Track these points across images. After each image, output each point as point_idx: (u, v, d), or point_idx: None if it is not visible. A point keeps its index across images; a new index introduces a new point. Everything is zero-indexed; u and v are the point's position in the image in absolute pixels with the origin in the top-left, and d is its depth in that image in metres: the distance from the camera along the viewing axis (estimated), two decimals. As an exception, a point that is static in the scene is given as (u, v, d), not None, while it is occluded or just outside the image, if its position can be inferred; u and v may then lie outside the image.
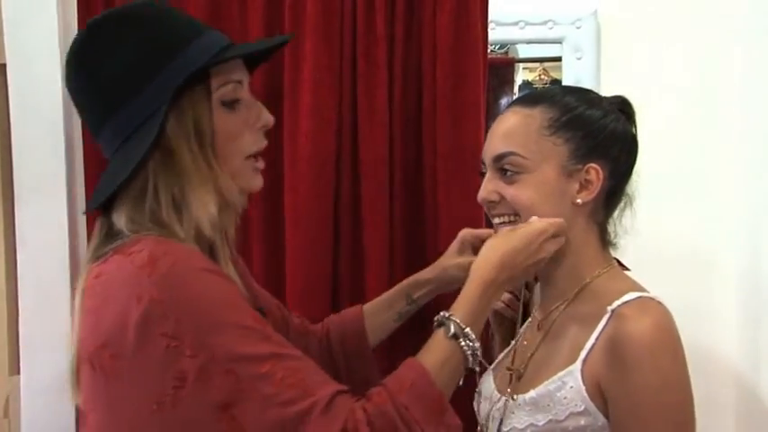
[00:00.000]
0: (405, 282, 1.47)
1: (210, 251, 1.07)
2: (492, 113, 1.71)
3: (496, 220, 1.23)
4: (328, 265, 1.62)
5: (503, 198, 1.20)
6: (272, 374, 0.94)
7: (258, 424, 0.93)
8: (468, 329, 1.06)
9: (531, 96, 1.27)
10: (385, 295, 1.47)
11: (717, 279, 1.88)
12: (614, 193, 1.22)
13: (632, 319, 1.09)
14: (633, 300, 1.12)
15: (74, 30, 1.64)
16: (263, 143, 1.13)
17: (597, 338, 1.12)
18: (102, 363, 0.97)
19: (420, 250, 1.64)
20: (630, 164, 1.24)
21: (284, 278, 1.62)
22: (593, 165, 1.17)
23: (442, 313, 1.10)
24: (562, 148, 1.17)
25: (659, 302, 1.13)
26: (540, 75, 2.27)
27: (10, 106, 1.66)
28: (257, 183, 1.14)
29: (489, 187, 1.21)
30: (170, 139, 1.02)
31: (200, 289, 0.96)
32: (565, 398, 1.12)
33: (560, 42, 2.00)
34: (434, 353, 1.06)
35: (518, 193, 1.18)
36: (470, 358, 1.06)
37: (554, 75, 2.18)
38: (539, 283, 1.32)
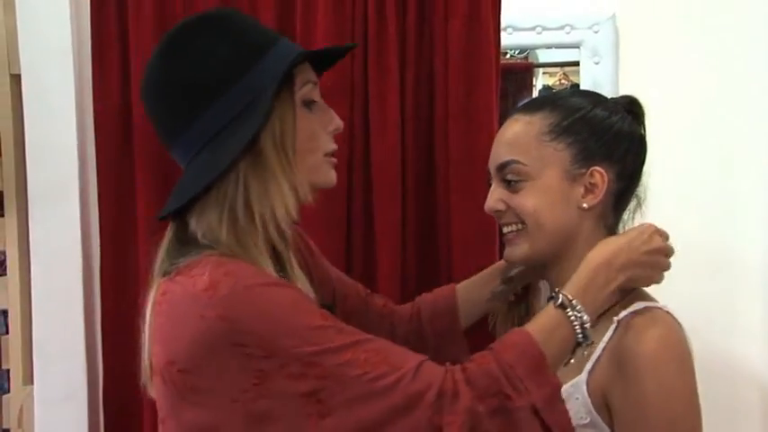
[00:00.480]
0: (501, 260, 1.42)
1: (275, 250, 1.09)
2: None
3: (505, 229, 1.21)
4: (340, 270, 1.59)
5: (509, 207, 1.18)
6: (354, 359, 0.95)
7: (347, 403, 0.94)
8: (575, 301, 1.05)
9: (534, 102, 1.24)
10: (480, 273, 1.43)
11: (740, 282, 1.83)
12: (623, 194, 1.19)
13: (638, 330, 1.07)
14: (640, 310, 1.10)
15: (87, 40, 1.65)
16: (335, 146, 1.16)
17: (603, 349, 1.10)
18: (171, 377, 0.99)
19: (432, 256, 1.62)
20: (638, 165, 1.20)
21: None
22: (597, 168, 1.14)
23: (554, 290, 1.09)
24: (564, 153, 1.15)
25: (667, 312, 1.11)
26: (560, 79, 2.24)
27: (24, 115, 1.68)
28: (334, 177, 1.17)
29: (495, 196, 1.20)
30: (259, 137, 1.03)
31: (265, 301, 0.97)
32: (570, 409, 1.07)
33: (578, 47, 1.97)
34: (540, 321, 1.05)
35: (522, 201, 1.16)
36: (578, 330, 1.04)
37: (574, 79, 2.13)
38: (543, 291, 1.31)
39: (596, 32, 1.93)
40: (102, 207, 1.67)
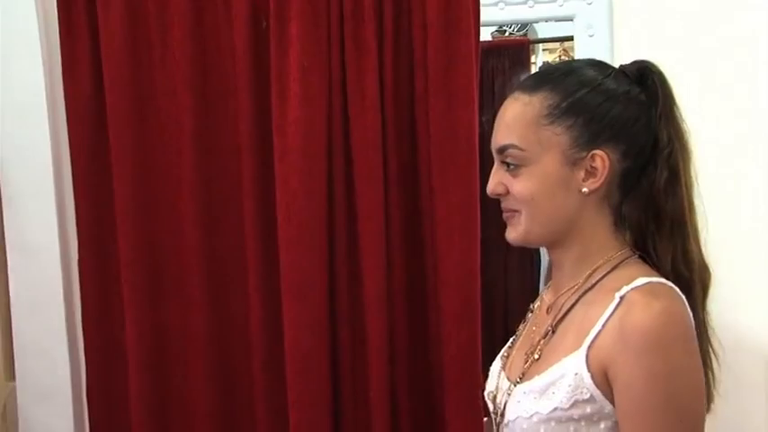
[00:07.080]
0: None
1: None
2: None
3: (505, 215, 1.17)
4: (324, 256, 1.56)
5: (509, 191, 1.14)
6: None
7: None
8: None
9: (533, 80, 1.17)
10: None
11: (746, 256, 1.77)
12: (630, 173, 1.13)
13: (640, 305, 1.03)
14: (642, 285, 1.06)
15: (55, 31, 1.61)
16: None
17: (604, 324, 1.05)
18: None
19: (416, 238, 1.59)
20: (649, 139, 1.13)
21: (278, 273, 1.58)
22: (597, 152, 1.09)
23: None
24: (563, 136, 1.10)
25: (670, 287, 1.07)
26: (560, 55, 2.19)
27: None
28: None
29: (496, 179, 1.15)
30: None
31: None
32: (569, 385, 1.06)
33: (572, 20, 1.90)
34: None
35: (520, 186, 1.12)
36: None
37: (574, 55, 2.08)
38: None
39: (590, 4, 1.87)
40: (79, 198, 1.64)
